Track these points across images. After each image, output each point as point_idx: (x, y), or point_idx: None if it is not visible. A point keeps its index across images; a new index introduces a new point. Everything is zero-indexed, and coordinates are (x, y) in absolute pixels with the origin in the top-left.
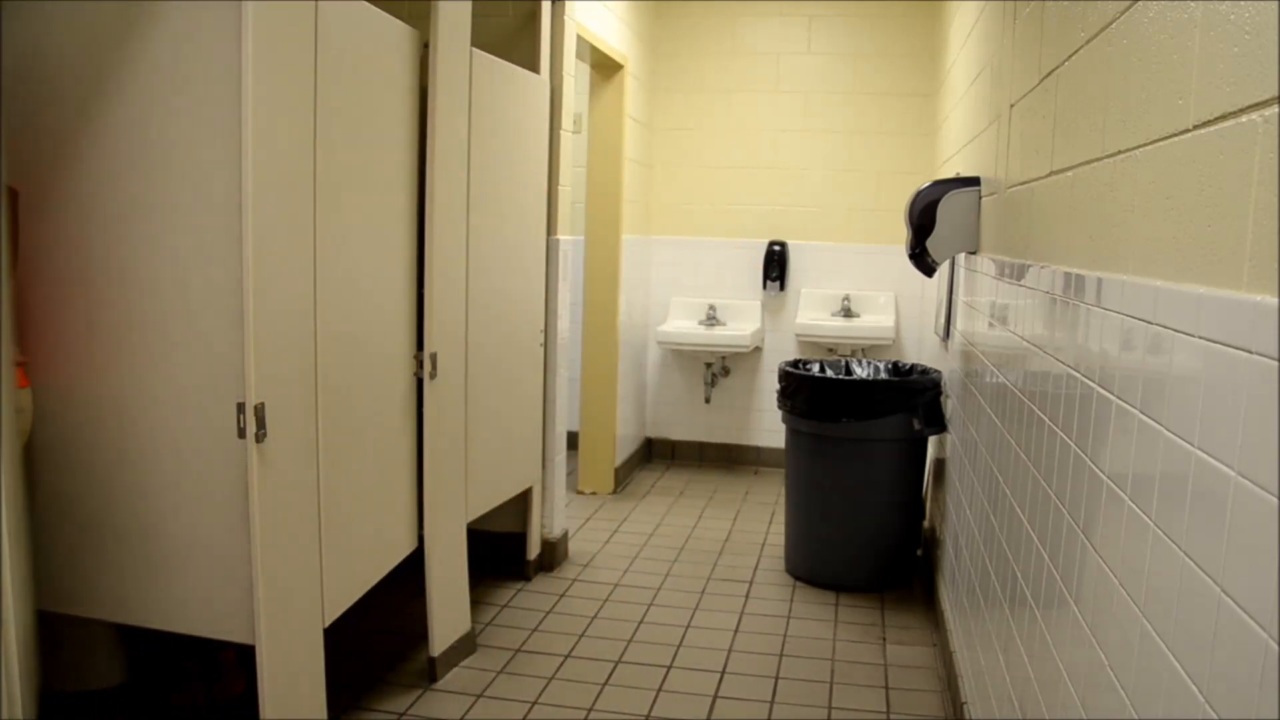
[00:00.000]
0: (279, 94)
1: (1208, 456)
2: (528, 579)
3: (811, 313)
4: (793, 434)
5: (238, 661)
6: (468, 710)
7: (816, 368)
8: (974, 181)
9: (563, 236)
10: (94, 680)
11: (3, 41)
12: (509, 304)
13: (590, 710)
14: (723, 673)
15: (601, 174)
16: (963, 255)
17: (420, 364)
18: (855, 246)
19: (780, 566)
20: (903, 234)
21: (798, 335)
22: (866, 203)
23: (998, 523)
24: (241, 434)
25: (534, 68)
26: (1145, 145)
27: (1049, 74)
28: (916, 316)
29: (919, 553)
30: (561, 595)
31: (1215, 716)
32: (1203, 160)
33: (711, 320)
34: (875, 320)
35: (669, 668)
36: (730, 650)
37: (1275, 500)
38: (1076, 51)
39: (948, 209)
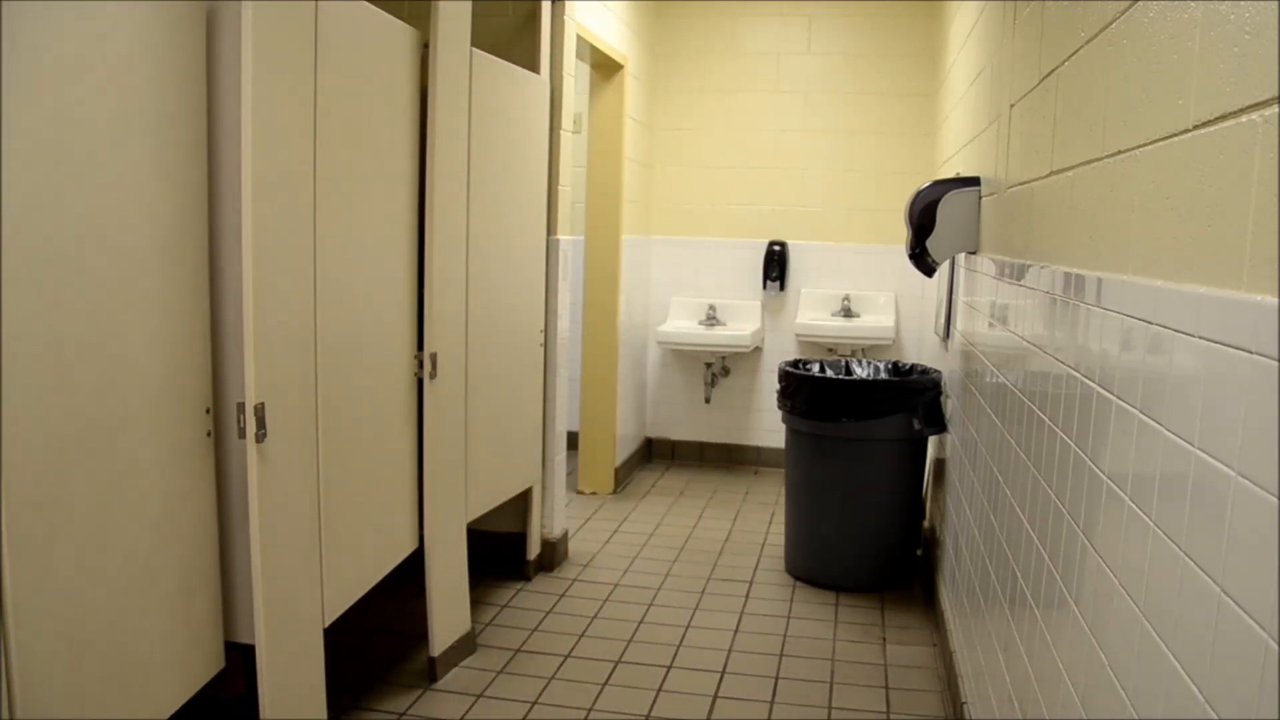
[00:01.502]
0: (278, 94)
1: (1208, 456)
2: (528, 579)
3: (811, 313)
4: (793, 434)
5: (238, 661)
6: (468, 710)
7: (816, 368)
8: (974, 181)
9: (563, 236)
10: None
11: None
12: (509, 304)
13: (590, 710)
14: (723, 673)
15: (601, 174)
16: (963, 255)
17: (420, 364)
18: (855, 246)
19: (780, 566)
20: (903, 234)
21: (798, 335)
22: (866, 203)
23: (998, 523)
24: (241, 434)
25: (534, 68)
26: (1145, 145)
27: (1049, 74)
28: (916, 316)
29: (919, 553)
30: (561, 595)
31: (1215, 717)
32: (1203, 160)
33: (711, 320)
34: (875, 320)
35: (669, 668)
36: (730, 650)
37: (1275, 500)
38: (1077, 51)
39: (948, 209)
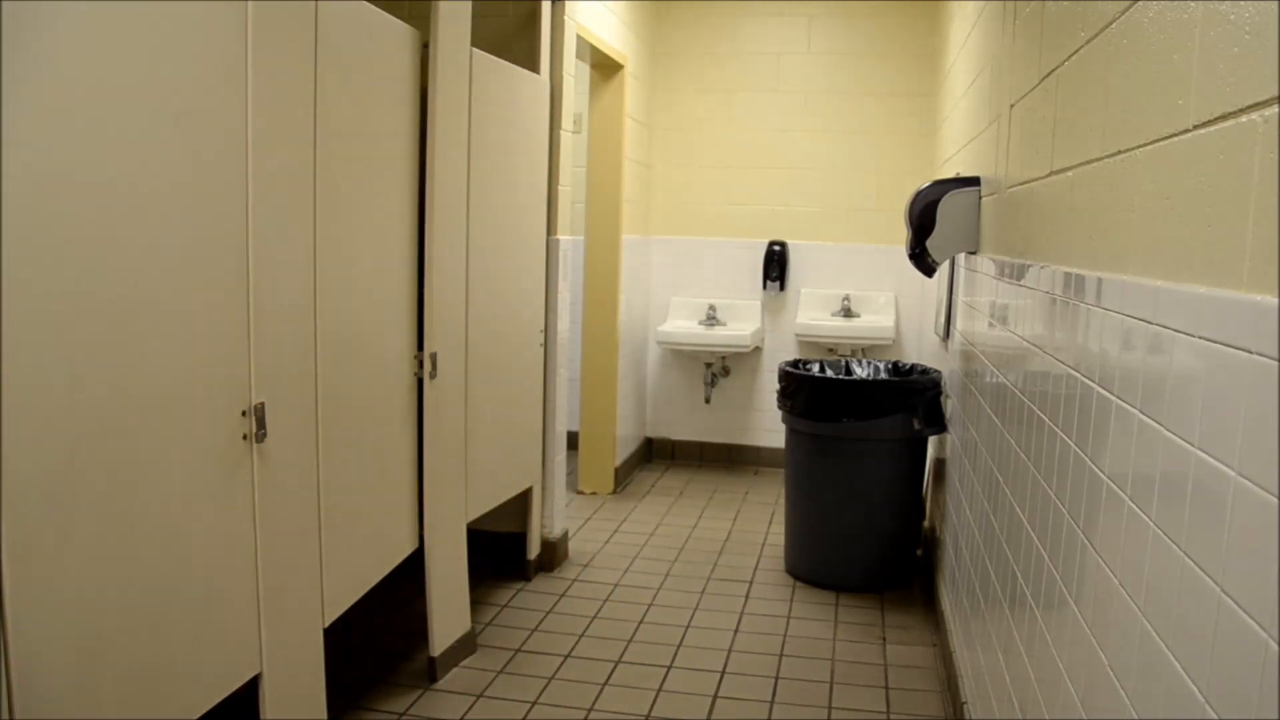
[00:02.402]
0: (279, 93)
1: (1208, 456)
2: (528, 579)
3: (811, 313)
4: (792, 434)
5: None
6: (468, 710)
7: (816, 368)
8: (974, 181)
9: (562, 236)
10: None
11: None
12: (509, 304)
13: (590, 710)
14: (723, 673)
15: (601, 174)
16: (962, 255)
17: (420, 364)
18: (855, 246)
19: (780, 566)
20: (903, 234)
21: (798, 335)
22: (866, 203)
23: (997, 523)
24: (243, 435)
25: (534, 67)
26: (1145, 145)
27: (1049, 74)
28: (916, 316)
29: (919, 553)
30: (561, 595)
31: (1215, 717)
32: (1203, 160)
33: (711, 320)
34: (875, 320)
35: (669, 668)
36: (730, 650)
37: (1275, 500)
38: (1076, 51)
39: (948, 209)
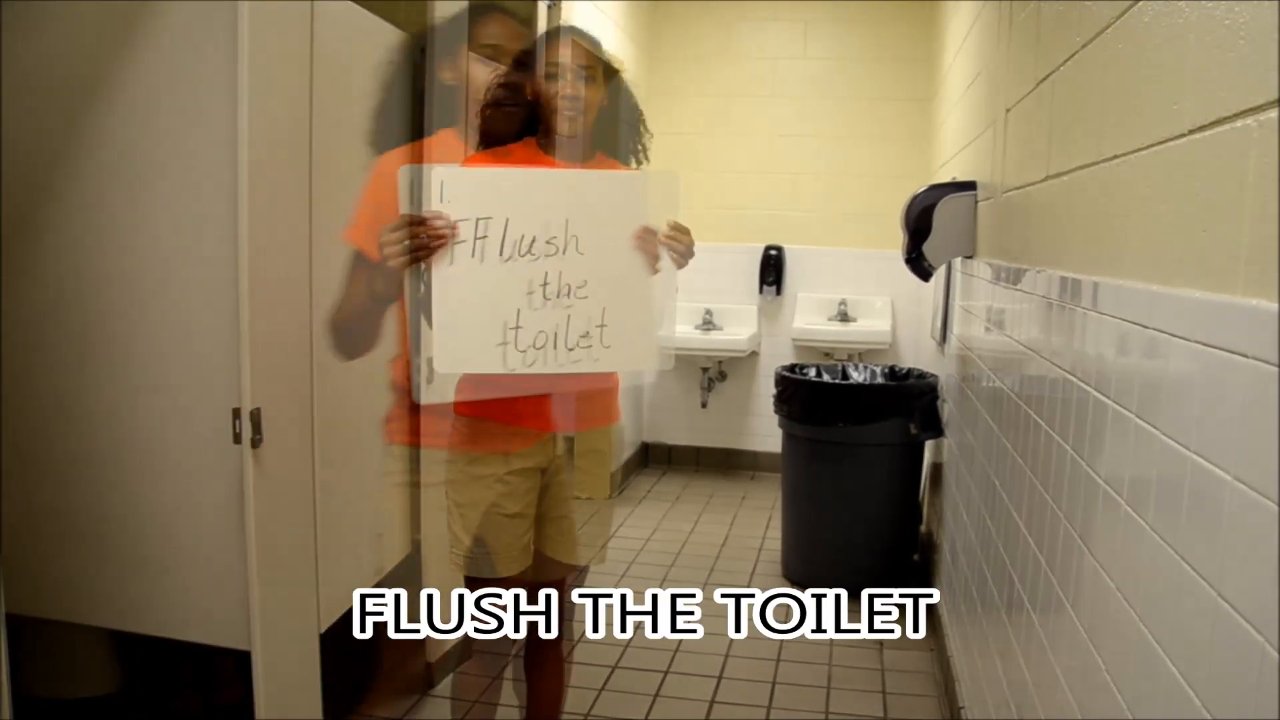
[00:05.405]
0: (274, 96)
1: (1204, 461)
2: None
3: (808, 317)
4: (789, 439)
5: (234, 668)
6: (464, 715)
7: (813, 372)
8: (970, 186)
9: None
10: (87, 688)
11: (2, 44)
12: None
13: (587, 715)
14: (719, 678)
15: None
16: (959, 259)
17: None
18: (852, 251)
19: (777, 571)
20: (899, 238)
21: (794, 340)
22: (863, 207)
23: (994, 527)
24: (237, 439)
25: None
26: (1141, 150)
27: (1045, 78)
28: (913, 321)
29: (916, 557)
30: None
31: None
32: (1198, 165)
33: (708, 324)
34: (872, 324)
35: (665, 673)
36: (727, 655)
37: (1272, 505)
38: (1072, 56)
39: (944, 213)
